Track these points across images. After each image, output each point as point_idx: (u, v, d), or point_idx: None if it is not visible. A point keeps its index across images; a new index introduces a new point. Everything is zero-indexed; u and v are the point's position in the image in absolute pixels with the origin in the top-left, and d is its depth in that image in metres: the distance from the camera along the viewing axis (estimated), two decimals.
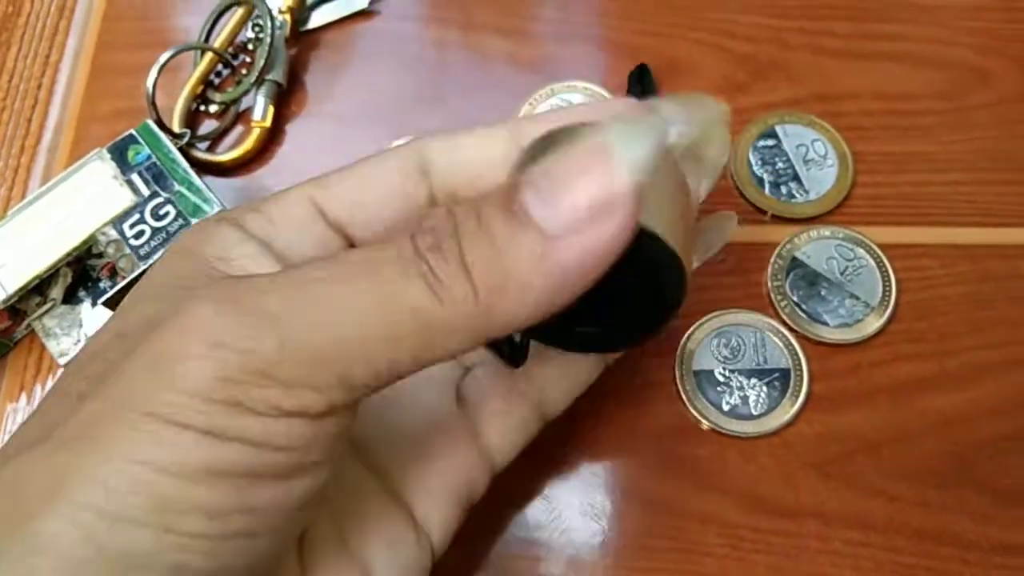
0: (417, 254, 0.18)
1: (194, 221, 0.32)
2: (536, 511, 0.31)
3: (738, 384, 0.32)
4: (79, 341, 0.33)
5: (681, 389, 0.32)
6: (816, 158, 0.35)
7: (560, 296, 0.19)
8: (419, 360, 0.19)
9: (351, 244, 0.24)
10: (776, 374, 0.32)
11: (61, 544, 0.17)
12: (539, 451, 0.31)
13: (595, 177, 0.18)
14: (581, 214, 0.18)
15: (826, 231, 0.34)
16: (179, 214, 0.32)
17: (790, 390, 0.32)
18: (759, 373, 0.32)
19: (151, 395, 0.18)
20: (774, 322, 0.33)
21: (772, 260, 0.33)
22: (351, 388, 0.18)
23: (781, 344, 0.32)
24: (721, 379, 0.32)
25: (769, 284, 0.33)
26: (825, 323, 0.33)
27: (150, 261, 0.32)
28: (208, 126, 0.37)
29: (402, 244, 0.19)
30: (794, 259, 0.33)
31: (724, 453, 0.31)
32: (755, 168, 0.35)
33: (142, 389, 0.18)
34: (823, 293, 0.33)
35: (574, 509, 0.31)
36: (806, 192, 0.34)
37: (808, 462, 0.31)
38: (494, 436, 0.27)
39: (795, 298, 0.33)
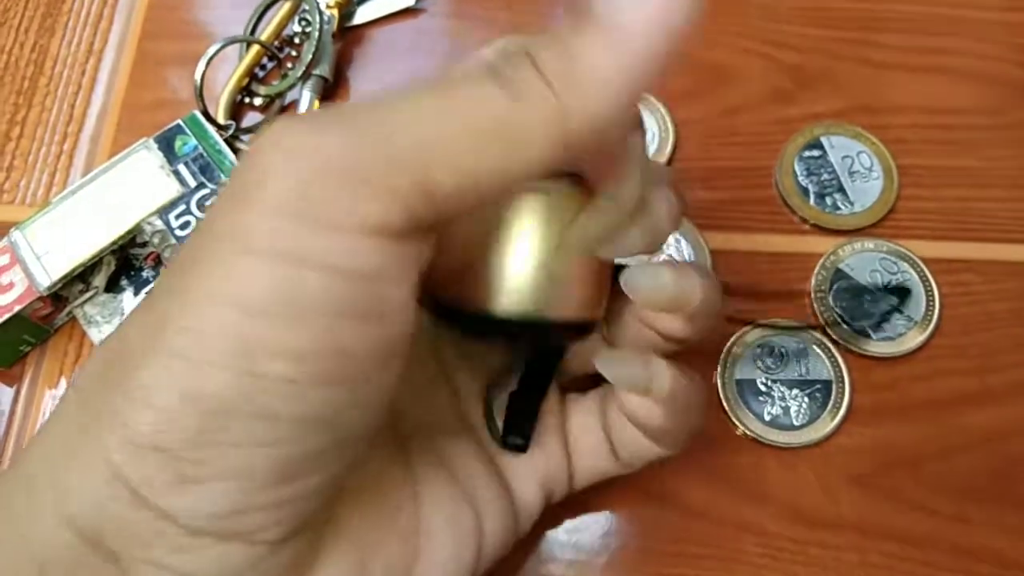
0: (489, 66, 0.18)
1: None
2: (574, 515, 0.31)
3: (780, 394, 0.32)
4: None
5: (723, 397, 0.32)
6: (861, 170, 0.35)
7: (635, 88, 0.18)
8: (500, 172, 0.18)
9: None
10: (818, 385, 0.32)
11: (155, 395, 0.17)
12: None
13: None
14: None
15: (870, 244, 0.34)
16: None
17: (831, 402, 0.32)
18: (801, 384, 0.32)
19: (234, 221, 0.17)
20: (817, 333, 0.33)
21: (816, 271, 0.33)
22: (431, 198, 0.18)
23: (824, 356, 0.32)
24: (763, 389, 0.32)
25: (812, 295, 0.33)
26: (868, 336, 0.32)
27: None
28: (252, 118, 0.37)
29: (473, 63, 0.19)
30: (838, 271, 0.33)
31: (764, 462, 0.31)
32: (800, 178, 0.35)
33: (226, 217, 0.18)
34: (866, 306, 0.33)
35: (611, 514, 0.31)
36: (851, 204, 0.34)
37: (848, 474, 0.31)
38: (583, 451, 0.27)
39: (838, 310, 0.33)
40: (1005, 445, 0.31)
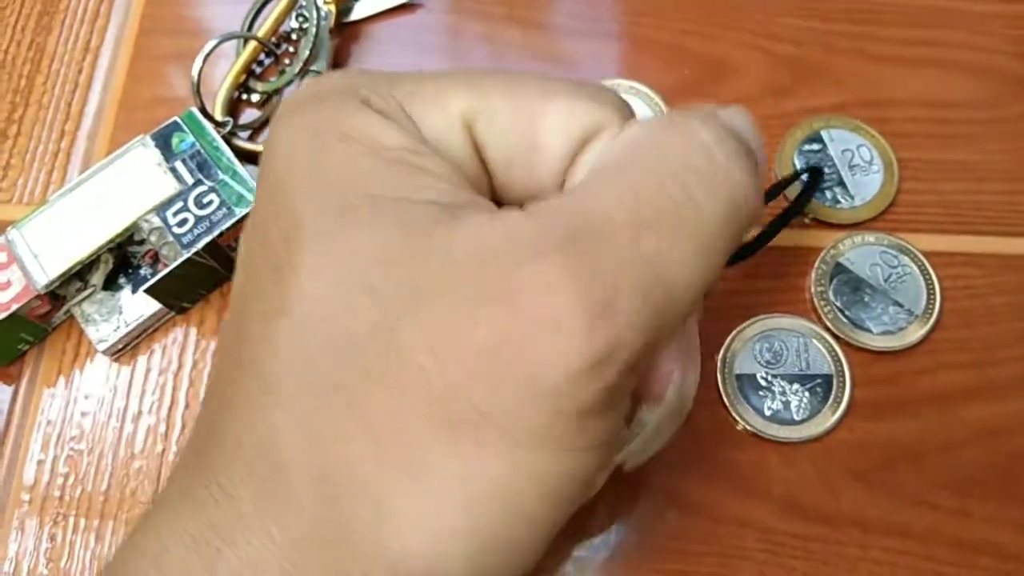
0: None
1: (238, 211, 0.32)
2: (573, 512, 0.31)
3: (780, 389, 0.32)
4: (118, 328, 0.33)
5: (722, 393, 0.32)
6: (862, 164, 0.35)
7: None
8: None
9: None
10: (818, 380, 0.32)
11: None
12: None
13: None
14: None
15: (871, 237, 0.34)
16: (223, 203, 0.32)
17: (832, 396, 0.32)
18: (801, 378, 0.32)
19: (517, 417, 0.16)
20: (817, 327, 0.32)
21: (816, 265, 0.33)
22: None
23: (824, 350, 0.32)
24: (763, 383, 0.32)
25: (812, 289, 0.33)
26: (868, 330, 0.32)
27: (193, 249, 0.31)
28: (250, 115, 0.37)
29: None
30: (838, 265, 0.33)
31: (764, 458, 0.31)
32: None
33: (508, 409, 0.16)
34: (866, 299, 0.33)
35: (611, 510, 0.31)
36: (851, 197, 0.34)
37: (849, 469, 0.31)
38: None
39: (838, 304, 0.33)
40: (1007, 439, 0.31)
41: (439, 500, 0.16)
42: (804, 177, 0.33)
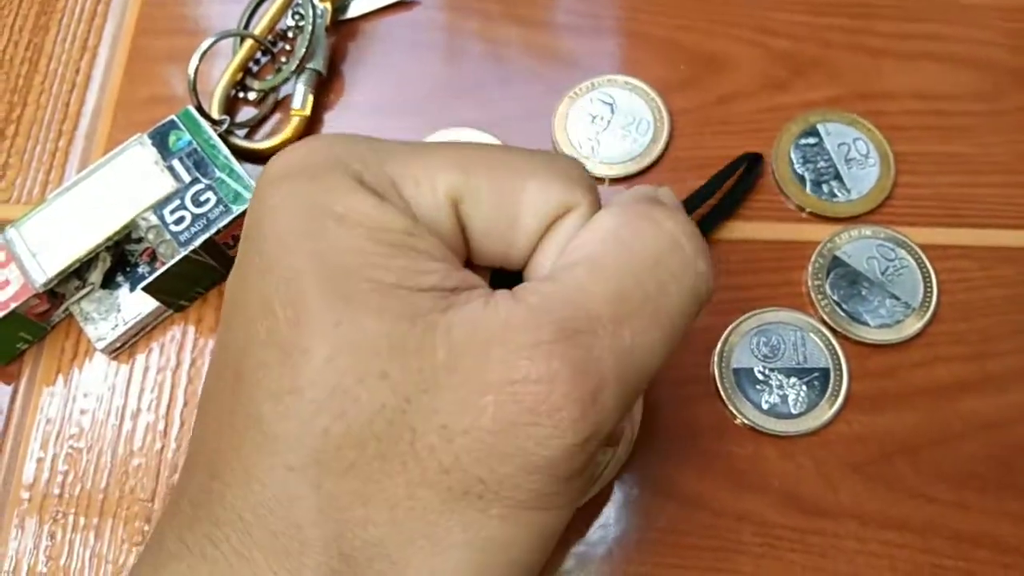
0: None
1: (235, 208, 0.32)
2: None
3: (777, 383, 0.32)
4: (116, 326, 0.33)
5: (720, 387, 0.32)
6: (858, 157, 0.35)
7: None
8: None
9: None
10: (816, 373, 0.32)
11: None
12: None
13: None
14: None
15: (867, 231, 0.34)
16: (219, 201, 0.32)
17: (829, 390, 0.32)
18: (799, 372, 0.32)
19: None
20: (814, 321, 0.32)
21: (813, 259, 0.33)
22: None
23: (821, 344, 0.32)
24: (760, 377, 0.32)
25: (809, 283, 0.33)
26: (865, 323, 0.32)
27: (190, 247, 0.32)
28: (246, 113, 0.37)
29: None
30: (835, 258, 0.33)
31: (762, 452, 0.31)
32: (796, 166, 0.35)
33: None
34: (863, 293, 0.33)
35: (607, 504, 0.31)
36: (847, 191, 0.34)
37: (846, 462, 0.31)
38: None
39: (835, 297, 0.33)
40: (1005, 432, 0.31)
41: (449, 558, 0.18)
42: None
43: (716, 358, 0.32)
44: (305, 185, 0.19)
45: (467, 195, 0.20)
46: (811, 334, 0.32)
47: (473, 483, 0.18)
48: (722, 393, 0.32)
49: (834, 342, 0.32)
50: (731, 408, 0.31)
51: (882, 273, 0.33)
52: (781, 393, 0.32)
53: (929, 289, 0.33)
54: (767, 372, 0.32)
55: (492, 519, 0.18)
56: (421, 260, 0.19)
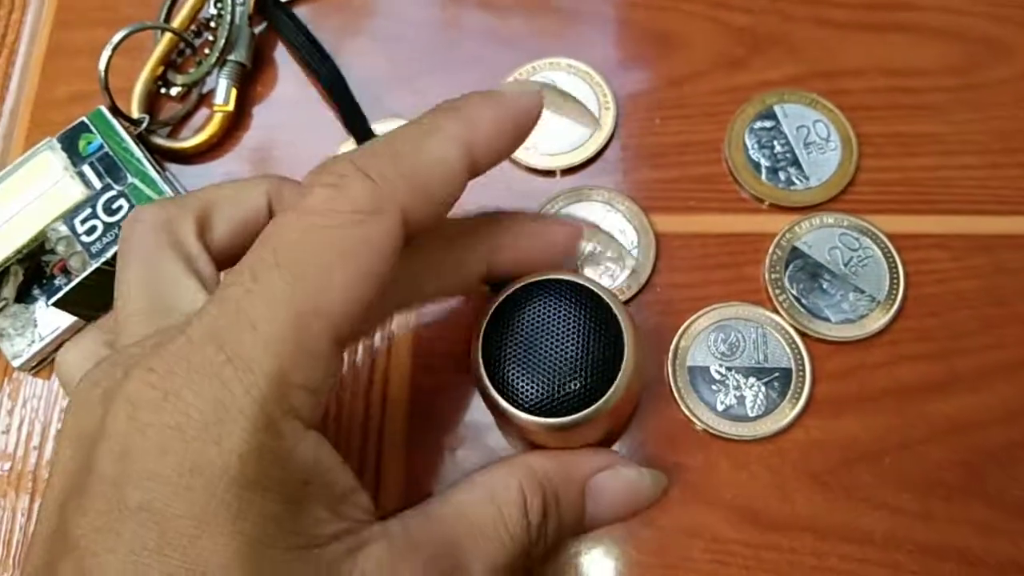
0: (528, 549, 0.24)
1: None
2: None
3: (735, 383, 0.30)
4: (33, 342, 0.31)
5: (672, 386, 0.30)
6: (818, 141, 0.32)
7: None
8: None
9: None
10: (776, 374, 0.30)
11: None
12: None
13: (628, 506, 0.28)
14: (612, 520, 0.28)
15: (829, 219, 0.31)
16: (133, 208, 0.30)
17: (791, 392, 0.29)
18: (758, 372, 0.30)
19: None
20: (777, 318, 0.30)
21: (770, 250, 0.31)
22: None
23: (784, 342, 0.30)
24: (717, 377, 0.30)
25: (766, 276, 0.31)
26: (827, 319, 0.30)
27: (102, 259, 0.30)
28: (171, 109, 0.35)
29: (523, 538, 0.24)
30: (794, 249, 0.31)
31: (714, 461, 0.29)
32: (751, 152, 0.32)
33: None
34: (825, 286, 0.31)
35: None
36: (806, 178, 0.32)
37: (804, 471, 0.29)
38: None
39: (794, 292, 0.31)
40: (973, 435, 0.29)
41: None
42: None
43: (670, 355, 0.30)
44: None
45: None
46: (773, 331, 0.30)
47: None
48: (675, 393, 0.30)
49: (797, 340, 0.30)
50: (684, 409, 0.29)
51: (845, 264, 0.31)
52: (738, 394, 0.30)
53: (895, 281, 0.31)
54: (724, 371, 0.30)
55: None
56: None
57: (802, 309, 0.30)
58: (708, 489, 0.29)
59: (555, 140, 0.33)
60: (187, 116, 0.35)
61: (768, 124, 0.33)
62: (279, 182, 0.24)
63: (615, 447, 0.29)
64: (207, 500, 0.18)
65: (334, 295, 0.19)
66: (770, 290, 0.31)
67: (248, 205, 0.24)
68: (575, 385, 0.24)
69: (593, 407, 0.24)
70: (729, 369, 0.30)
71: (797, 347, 0.30)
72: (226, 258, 0.24)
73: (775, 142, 0.32)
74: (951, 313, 0.30)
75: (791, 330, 0.30)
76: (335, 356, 0.20)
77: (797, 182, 0.32)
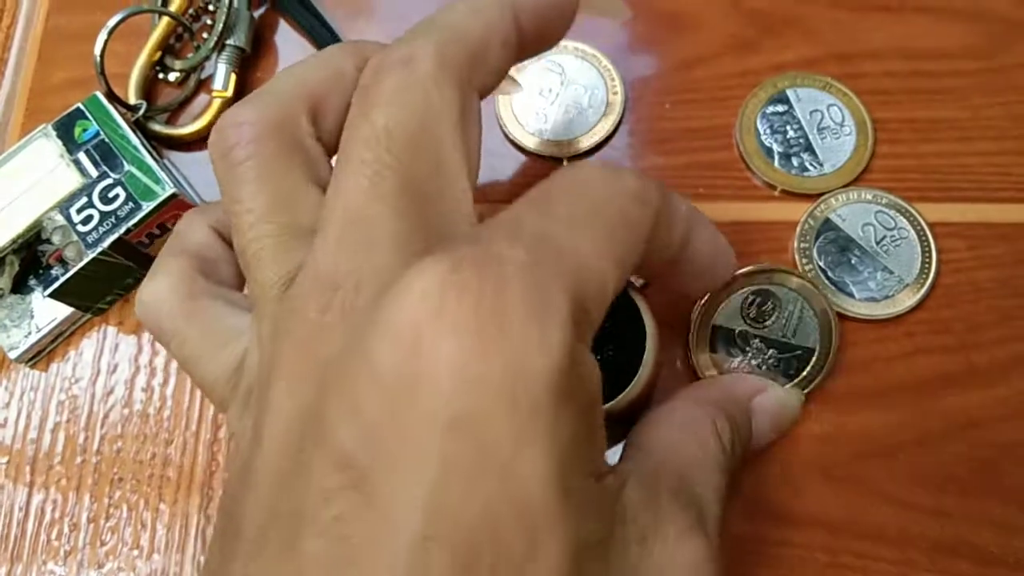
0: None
1: (145, 205, 0.29)
2: None
3: (755, 350, 0.29)
4: (30, 333, 0.31)
5: (691, 342, 0.29)
6: (832, 126, 0.31)
7: None
8: None
9: None
10: (799, 352, 0.29)
11: None
12: None
13: (777, 424, 0.28)
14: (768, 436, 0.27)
15: (868, 195, 0.30)
16: (129, 197, 0.30)
17: (806, 372, 0.28)
18: (780, 346, 0.29)
19: None
20: (820, 297, 0.29)
21: (803, 220, 0.30)
22: None
23: (816, 323, 0.29)
24: (738, 341, 0.29)
25: (796, 244, 0.30)
26: (851, 294, 0.29)
27: (98, 249, 0.29)
28: (170, 96, 0.34)
29: (724, 467, 0.24)
30: (827, 221, 0.30)
31: None
32: (763, 137, 0.31)
33: None
34: (853, 262, 0.30)
35: None
36: (820, 164, 0.31)
37: (816, 465, 0.28)
38: None
39: (822, 263, 0.30)
40: (990, 431, 0.28)
41: None
42: None
43: (698, 311, 0.29)
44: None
45: None
46: (811, 309, 0.29)
47: None
48: (690, 347, 0.29)
49: (833, 324, 0.29)
50: (694, 361, 0.29)
51: (877, 243, 0.30)
52: (754, 363, 0.29)
53: (927, 266, 0.30)
54: (748, 336, 0.29)
55: None
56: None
57: (827, 282, 0.30)
58: None
59: (563, 124, 0.32)
60: (185, 102, 0.34)
61: (781, 109, 0.32)
62: (358, 49, 0.22)
63: None
64: (530, 411, 0.15)
65: None
66: (797, 259, 0.30)
67: (351, 88, 0.21)
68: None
69: (610, 403, 0.24)
70: (754, 336, 0.29)
71: (830, 329, 0.29)
72: (333, 150, 0.22)
73: (788, 127, 0.31)
74: (968, 305, 0.29)
75: (832, 313, 0.29)
76: None
77: (811, 168, 0.31)
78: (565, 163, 0.32)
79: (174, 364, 0.31)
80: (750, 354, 0.29)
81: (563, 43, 0.32)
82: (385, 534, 0.14)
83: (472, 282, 0.15)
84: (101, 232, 0.29)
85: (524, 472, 0.15)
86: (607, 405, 0.24)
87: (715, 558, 0.20)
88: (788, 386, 0.28)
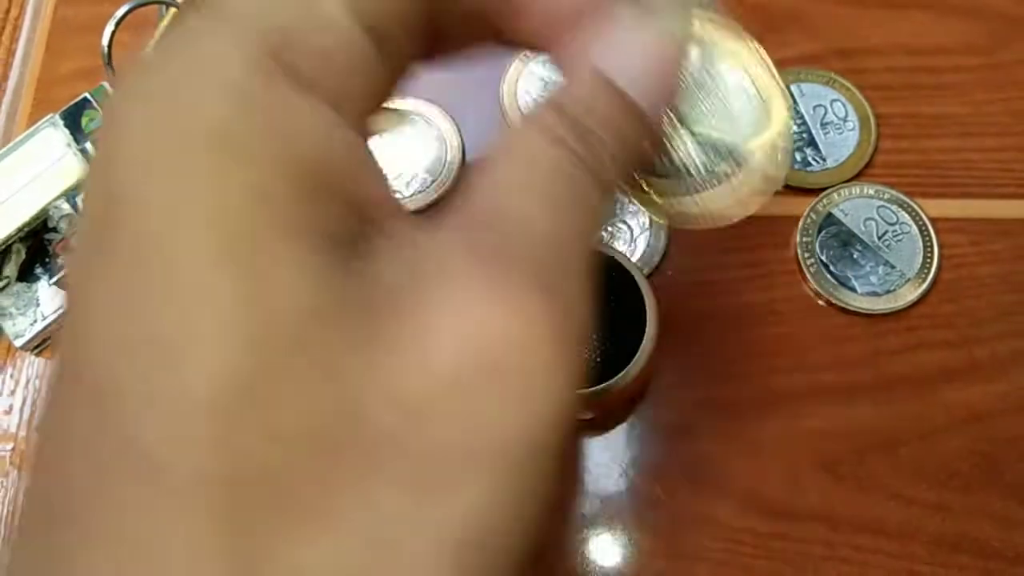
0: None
1: None
2: None
3: None
4: (35, 321, 0.31)
5: None
6: (835, 121, 0.32)
7: None
8: None
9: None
10: None
11: None
12: None
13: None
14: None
15: (870, 190, 0.31)
16: None
17: None
18: None
19: None
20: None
21: (805, 214, 0.30)
22: None
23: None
24: None
25: (798, 239, 0.30)
26: (853, 289, 0.30)
27: None
28: None
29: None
30: (829, 215, 0.30)
31: (725, 450, 0.29)
32: None
33: None
34: (855, 256, 0.30)
35: (563, 503, 0.28)
36: (823, 159, 0.31)
37: (816, 460, 0.28)
38: None
39: (824, 258, 0.30)
40: (990, 425, 0.28)
41: None
42: None
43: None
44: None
45: None
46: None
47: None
48: None
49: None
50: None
51: (879, 237, 0.30)
52: None
53: (928, 260, 0.30)
54: None
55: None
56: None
57: (829, 276, 0.30)
58: (720, 477, 0.28)
59: None
60: None
61: None
62: None
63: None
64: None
65: None
66: (800, 254, 0.30)
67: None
68: (596, 355, 0.25)
69: (610, 382, 0.25)
70: None
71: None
72: None
73: (791, 121, 0.32)
74: (970, 300, 0.30)
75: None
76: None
77: (814, 163, 0.31)
78: None
79: None
80: None
81: None
82: None
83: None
84: None
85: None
86: (610, 382, 0.25)
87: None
88: None
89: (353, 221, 0.15)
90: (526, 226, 0.15)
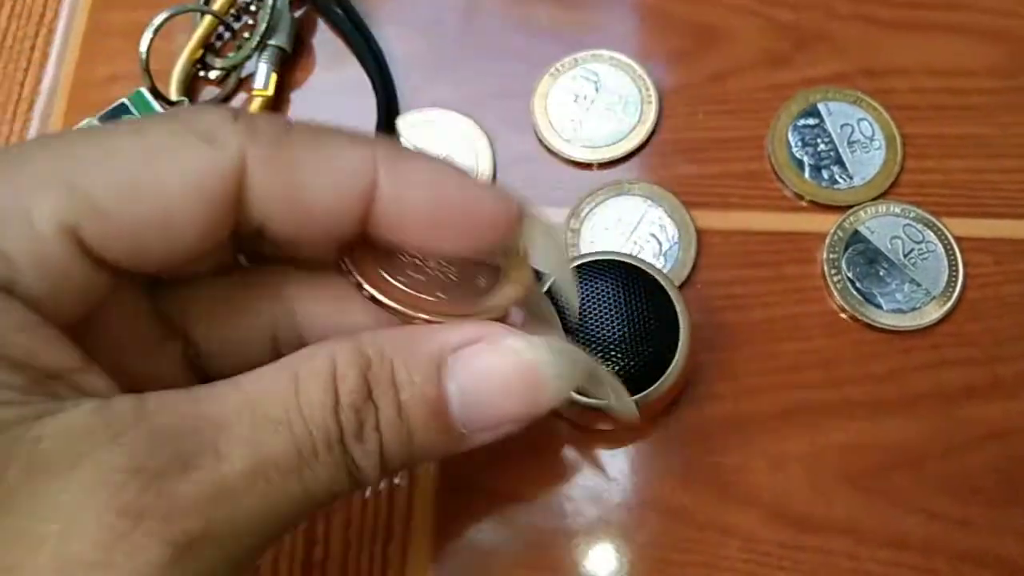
0: (342, 444, 0.17)
1: None
2: (545, 518, 0.29)
3: None
4: None
5: None
6: (862, 140, 0.32)
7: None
8: None
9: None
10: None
11: None
12: (548, 451, 0.29)
13: (521, 399, 0.19)
14: (502, 423, 0.19)
15: (896, 208, 0.31)
16: None
17: None
18: None
19: None
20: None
21: (832, 231, 0.31)
22: None
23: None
24: None
25: (824, 255, 0.30)
26: (879, 306, 0.30)
27: None
28: (210, 92, 0.35)
29: (327, 424, 0.17)
30: (856, 233, 0.31)
31: (750, 463, 0.29)
32: (794, 150, 0.32)
33: None
34: (881, 274, 0.30)
35: (585, 517, 0.29)
36: (850, 177, 0.32)
37: (842, 474, 0.29)
38: None
39: (850, 275, 0.30)
40: (1015, 441, 0.29)
41: None
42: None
43: None
44: None
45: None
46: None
47: None
48: None
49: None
50: None
51: (905, 255, 0.31)
52: None
53: (953, 279, 0.30)
54: None
55: None
56: None
57: (855, 293, 0.30)
58: (744, 489, 0.29)
59: (596, 130, 0.32)
60: (225, 100, 0.35)
61: (812, 122, 0.32)
62: None
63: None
64: None
65: None
66: (826, 270, 0.30)
67: None
68: (630, 365, 0.26)
69: (647, 391, 0.26)
70: None
71: None
72: None
73: (819, 140, 0.32)
74: (994, 319, 0.30)
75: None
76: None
77: (840, 181, 0.32)
78: (595, 167, 0.33)
79: None
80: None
81: (599, 51, 0.33)
82: None
83: None
84: None
85: None
86: (644, 394, 0.26)
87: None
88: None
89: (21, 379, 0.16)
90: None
